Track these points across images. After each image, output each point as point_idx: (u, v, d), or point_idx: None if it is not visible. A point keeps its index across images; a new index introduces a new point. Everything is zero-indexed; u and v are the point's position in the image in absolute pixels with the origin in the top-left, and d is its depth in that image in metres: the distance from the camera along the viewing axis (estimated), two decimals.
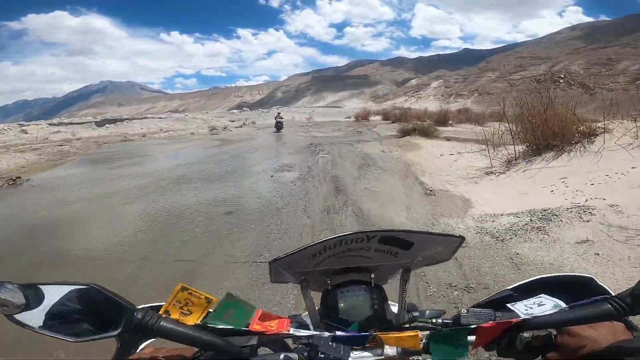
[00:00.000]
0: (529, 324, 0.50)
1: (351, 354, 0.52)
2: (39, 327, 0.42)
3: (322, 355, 0.51)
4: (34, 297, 0.42)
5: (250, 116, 44.11)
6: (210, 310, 0.53)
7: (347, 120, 34.67)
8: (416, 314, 0.61)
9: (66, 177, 8.56)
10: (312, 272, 0.65)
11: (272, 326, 0.54)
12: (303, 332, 0.54)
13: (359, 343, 0.55)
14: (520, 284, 0.61)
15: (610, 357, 0.44)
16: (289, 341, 0.59)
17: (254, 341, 0.55)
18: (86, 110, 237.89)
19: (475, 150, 8.79)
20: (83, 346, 0.52)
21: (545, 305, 0.51)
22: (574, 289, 0.56)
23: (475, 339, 0.52)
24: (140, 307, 0.48)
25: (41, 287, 0.43)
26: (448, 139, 13.23)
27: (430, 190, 5.63)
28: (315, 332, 0.55)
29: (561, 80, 50.72)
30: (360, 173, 7.19)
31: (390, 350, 0.54)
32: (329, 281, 0.68)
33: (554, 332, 0.52)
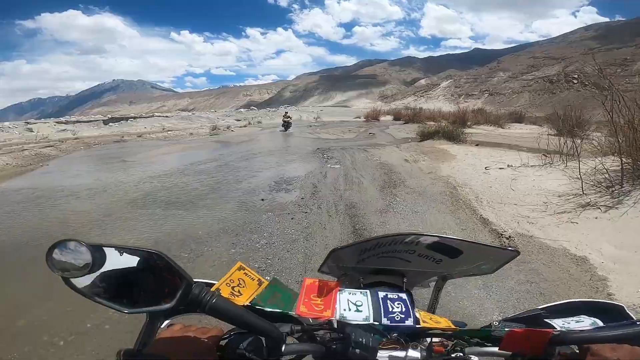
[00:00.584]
0: (562, 338, 0.47)
1: (380, 353, 0.51)
2: (93, 293, 0.41)
3: (354, 350, 0.49)
4: (98, 260, 0.40)
5: (257, 115, 42.31)
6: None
7: (356, 120, 32.53)
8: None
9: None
10: (352, 268, 0.65)
11: (319, 308, 0.53)
12: (354, 320, 0.52)
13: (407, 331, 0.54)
14: (552, 305, 0.59)
15: None
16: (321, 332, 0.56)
17: (285, 329, 0.54)
18: (99, 109, 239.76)
19: (535, 164, 6.51)
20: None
21: (583, 322, 0.50)
22: (604, 314, 0.54)
23: (502, 341, 0.49)
24: (196, 281, 0.47)
25: (105, 249, 0.42)
26: (477, 144, 10.98)
27: (508, 239, 3.45)
28: (358, 322, 0.52)
29: (575, 81, 49.39)
30: (386, 199, 5.01)
31: (413, 354, 0.52)
32: (361, 279, 0.67)
33: (577, 350, 0.51)
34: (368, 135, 15.88)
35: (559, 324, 0.51)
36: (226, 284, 0.52)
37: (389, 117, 31.63)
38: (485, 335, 0.53)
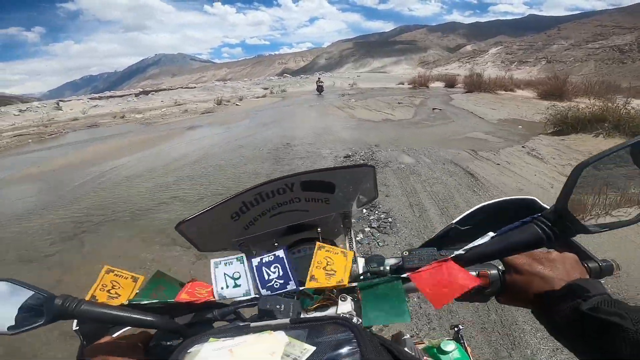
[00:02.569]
0: (462, 259, 0.44)
1: (303, 315, 0.48)
2: None
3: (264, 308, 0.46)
4: None
5: (285, 83, 36.91)
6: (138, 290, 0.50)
7: (399, 87, 25.98)
8: (374, 265, 0.53)
9: None
10: (248, 238, 0.60)
11: (202, 294, 0.49)
12: (233, 297, 0.48)
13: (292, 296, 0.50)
14: (464, 215, 0.56)
15: (562, 295, 0.39)
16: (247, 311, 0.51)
17: (210, 315, 0.50)
18: (144, 82, 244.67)
19: None
20: None
21: (485, 239, 0.45)
22: (517, 212, 0.48)
23: (418, 287, 0.45)
24: (60, 295, 0.45)
25: None
26: None
27: None
28: (240, 298, 0.49)
29: None
30: None
31: (343, 307, 0.49)
32: (276, 244, 0.62)
33: (502, 268, 0.47)
34: (434, 114, 9.75)
35: (460, 252, 0.45)
36: (99, 289, 0.48)
37: (439, 84, 24.91)
38: (393, 275, 0.48)
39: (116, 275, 0.49)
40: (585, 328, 0.35)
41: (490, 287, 0.46)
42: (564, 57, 56.58)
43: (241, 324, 0.45)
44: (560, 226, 0.38)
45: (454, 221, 0.56)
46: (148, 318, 0.45)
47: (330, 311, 0.49)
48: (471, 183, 3.89)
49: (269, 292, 0.48)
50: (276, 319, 0.43)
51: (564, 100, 11.98)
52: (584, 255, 0.44)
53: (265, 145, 6.49)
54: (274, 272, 0.50)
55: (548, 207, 0.42)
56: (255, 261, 0.50)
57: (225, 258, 0.51)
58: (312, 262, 0.49)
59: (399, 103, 12.15)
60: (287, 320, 0.41)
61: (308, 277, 0.49)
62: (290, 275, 0.49)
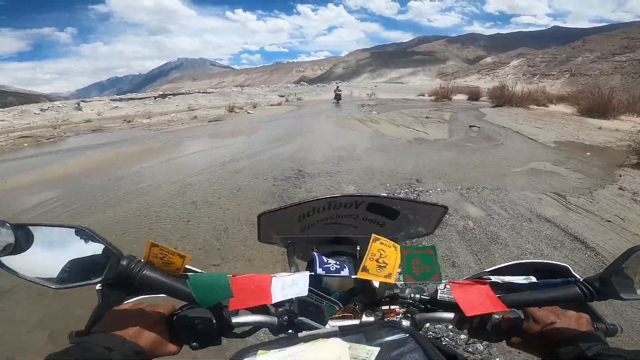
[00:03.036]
0: (500, 287, 0.49)
1: (329, 322, 0.50)
2: (23, 271, 0.40)
3: (301, 319, 0.49)
4: (23, 239, 0.40)
5: (302, 91, 35.92)
6: (187, 267, 0.51)
7: (420, 98, 24.45)
8: (397, 290, 0.58)
9: None
10: (299, 239, 0.63)
11: (253, 300, 0.49)
12: (289, 295, 0.49)
13: (333, 309, 0.53)
14: (497, 268, 0.58)
15: (571, 344, 0.43)
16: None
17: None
18: (166, 85, 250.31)
19: None
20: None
21: (518, 277, 0.51)
22: (549, 276, 0.53)
23: (457, 299, 0.49)
24: (127, 255, 0.45)
25: (31, 228, 0.41)
26: None
27: None
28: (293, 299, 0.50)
29: None
30: None
31: (366, 320, 0.52)
32: (315, 250, 0.64)
33: (522, 316, 0.50)
34: (473, 133, 8.21)
35: (498, 280, 0.50)
36: (153, 256, 0.47)
37: (461, 96, 23.05)
38: (431, 300, 0.53)
39: (161, 250, 0.48)
40: None
41: (508, 330, 0.49)
42: (588, 70, 53.58)
43: (285, 335, 0.47)
44: (599, 291, 0.43)
45: (486, 270, 0.58)
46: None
47: (352, 322, 0.51)
48: (593, 262, 2.41)
49: (324, 272, 0.52)
50: (309, 321, 0.46)
51: (608, 118, 10.34)
52: (595, 317, 0.49)
53: (270, 172, 5.06)
54: (335, 262, 0.55)
55: (578, 277, 0.48)
56: (319, 257, 0.55)
57: (286, 274, 0.51)
58: (366, 254, 0.51)
59: (427, 117, 10.70)
60: (336, 328, 0.44)
61: (360, 267, 0.50)
62: (349, 268, 0.54)
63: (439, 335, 1.57)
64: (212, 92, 39.20)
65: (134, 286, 0.45)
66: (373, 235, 0.52)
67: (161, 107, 25.17)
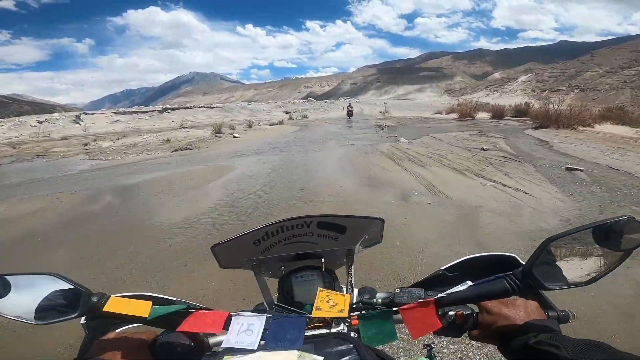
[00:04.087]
0: (443, 301, 0.52)
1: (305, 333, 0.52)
2: (7, 313, 0.45)
3: (277, 334, 0.50)
4: (1, 287, 0.45)
5: (308, 107, 33.71)
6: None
7: (439, 117, 21.73)
8: (367, 296, 0.63)
9: None
10: (262, 260, 0.66)
11: (208, 323, 0.51)
12: (244, 345, 0.48)
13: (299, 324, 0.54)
14: (452, 264, 0.64)
15: (520, 333, 0.47)
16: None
17: None
18: (177, 99, 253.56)
19: None
20: None
21: (464, 286, 0.53)
22: (499, 267, 0.57)
23: (404, 320, 0.52)
24: (96, 292, 0.50)
25: (7, 277, 0.46)
26: None
27: None
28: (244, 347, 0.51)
29: None
30: None
31: (337, 329, 0.55)
32: (283, 267, 0.69)
33: (476, 310, 0.55)
34: (597, 188, 4.79)
35: (442, 295, 0.53)
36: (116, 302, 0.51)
37: (484, 114, 20.58)
38: (380, 314, 0.55)
39: (125, 300, 0.51)
40: (533, 358, 0.43)
41: (464, 324, 0.54)
42: (598, 85, 53.26)
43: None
44: (524, 283, 0.46)
45: (442, 267, 0.63)
46: (173, 315, 0.50)
47: (325, 331, 0.54)
48: None
49: (275, 344, 0.51)
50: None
51: None
52: (546, 305, 0.53)
53: None
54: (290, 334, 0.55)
55: (524, 264, 0.50)
56: (278, 320, 0.53)
57: (247, 314, 0.53)
58: (316, 299, 0.55)
59: (483, 149, 7.78)
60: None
61: (314, 308, 0.54)
62: (300, 335, 0.52)
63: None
64: (215, 107, 37.23)
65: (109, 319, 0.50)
66: (319, 288, 0.56)
67: (154, 123, 23.11)
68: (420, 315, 0.51)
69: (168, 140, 10.64)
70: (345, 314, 0.54)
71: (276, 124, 16.11)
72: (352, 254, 0.69)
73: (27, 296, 0.46)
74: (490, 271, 0.53)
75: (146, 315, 0.50)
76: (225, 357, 0.42)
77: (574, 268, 0.46)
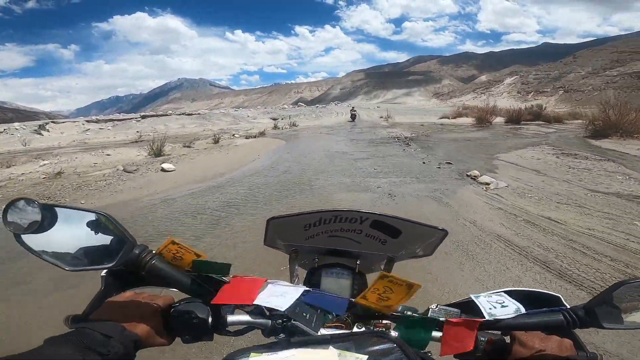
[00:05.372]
0: (490, 324, 0.49)
1: (321, 330, 0.50)
2: (40, 251, 0.41)
3: (295, 323, 0.48)
4: (48, 219, 0.40)
5: (301, 113, 29.93)
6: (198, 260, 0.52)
7: (448, 122, 18.06)
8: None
9: None
10: (302, 247, 0.64)
11: (242, 295, 0.50)
12: (273, 305, 0.49)
13: (335, 308, 0.53)
14: (489, 293, 0.58)
15: None
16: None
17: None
18: (166, 106, 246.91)
19: None
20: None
21: (507, 308, 0.51)
22: (539, 304, 0.53)
23: (443, 335, 0.50)
24: (139, 244, 0.46)
25: (57, 209, 0.42)
26: None
27: None
28: (285, 304, 0.50)
29: None
30: None
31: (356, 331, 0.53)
32: (316, 260, 0.66)
33: (507, 339, 0.51)
34: None
35: (486, 307, 0.50)
36: (166, 250, 0.49)
37: (498, 118, 17.17)
38: (422, 319, 0.53)
39: (180, 247, 0.49)
40: None
41: (491, 352, 0.50)
42: (581, 86, 53.36)
43: (277, 339, 0.47)
44: (582, 319, 0.45)
45: (472, 295, 0.58)
46: (199, 290, 0.48)
47: (342, 331, 0.51)
48: None
49: (315, 304, 0.52)
50: (303, 326, 0.47)
51: None
52: (577, 345, 0.49)
53: None
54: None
55: (568, 306, 0.49)
56: (316, 295, 0.53)
57: (283, 284, 0.53)
58: (370, 286, 0.51)
59: (593, 192, 3.80)
60: (328, 336, 0.44)
61: (360, 295, 0.51)
62: (341, 304, 0.53)
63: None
64: (197, 113, 32.77)
65: (139, 276, 0.46)
66: (380, 272, 0.50)
67: (111, 135, 18.90)
68: (460, 332, 0.48)
69: (59, 174, 6.23)
70: (388, 311, 0.50)
71: (254, 137, 11.79)
72: (393, 261, 0.64)
73: (69, 234, 0.42)
74: (530, 307, 0.50)
75: (188, 267, 0.49)
76: (252, 354, 0.39)
77: (635, 312, 0.46)
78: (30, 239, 0.40)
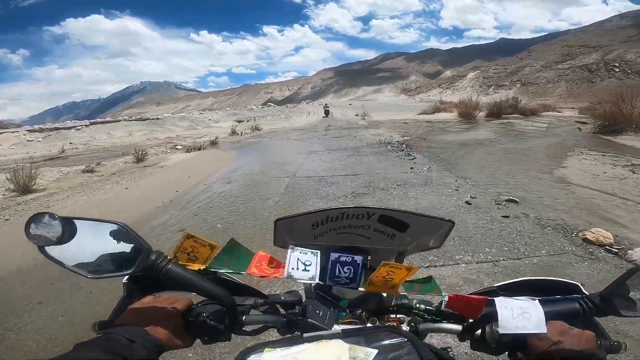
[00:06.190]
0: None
1: (335, 327, 0.50)
2: (63, 261, 0.42)
3: (309, 320, 0.49)
4: (68, 231, 0.41)
5: (268, 114, 27.34)
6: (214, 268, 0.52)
7: (428, 118, 16.32)
8: (404, 301, 0.59)
9: None
10: (313, 246, 0.60)
11: (269, 270, 0.52)
12: (300, 278, 0.51)
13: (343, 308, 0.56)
14: (507, 283, 0.57)
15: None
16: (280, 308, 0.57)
17: (249, 301, 0.55)
18: (128, 111, 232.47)
19: None
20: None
21: (527, 320, 0.47)
22: (558, 293, 0.51)
23: (447, 301, 0.51)
24: (155, 250, 0.46)
25: (76, 221, 0.43)
26: None
27: None
28: (304, 280, 0.52)
29: (616, 69, 43.00)
30: None
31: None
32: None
33: None
34: None
35: (504, 317, 0.47)
36: (181, 251, 0.50)
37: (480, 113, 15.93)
38: (436, 311, 0.54)
39: (195, 241, 0.50)
40: None
41: (507, 343, 0.47)
42: (537, 79, 54.79)
43: (290, 335, 0.49)
44: (599, 307, 0.44)
45: (496, 284, 0.57)
46: (217, 291, 0.48)
47: (359, 327, 0.52)
48: None
49: (332, 284, 0.55)
50: (316, 323, 0.48)
51: None
52: (599, 334, 0.47)
53: None
54: (346, 273, 0.55)
55: (587, 294, 0.48)
56: (334, 256, 0.55)
57: (303, 248, 0.54)
58: (374, 272, 0.52)
59: None
60: (339, 330, 0.45)
61: (368, 282, 0.52)
62: (359, 280, 0.54)
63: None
64: (149, 118, 28.69)
65: (158, 281, 0.47)
66: (382, 262, 0.52)
67: (31, 149, 15.25)
68: (466, 307, 0.49)
69: None
70: (395, 291, 0.52)
71: (198, 150, 8.79)
72: (403, 255, 0.64)
73: (89, 245, 0.43)
74: (547, 296, 0.49)
75: (206, 262, 0.50)
76: (267, 349, 0.40)
77: None
78: (53, 251, 0.41)
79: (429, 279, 0.57)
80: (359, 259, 0.55)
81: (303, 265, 0.52)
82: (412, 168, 5.31)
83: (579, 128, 9.72)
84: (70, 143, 17.40)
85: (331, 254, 0.55)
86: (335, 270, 0.55)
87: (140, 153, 7.50)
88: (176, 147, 9.83)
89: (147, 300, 0.48)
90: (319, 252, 0.53)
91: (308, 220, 0.58)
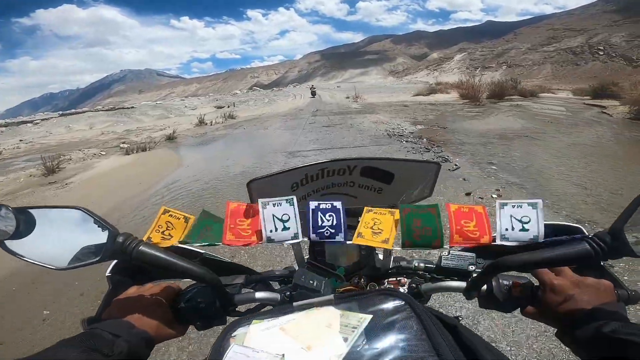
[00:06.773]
0: (505, 263, 0.41)
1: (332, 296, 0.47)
2: (27, 254, 0.39)
3: (301, 291, 0.45)
4: (24, 223, 0.38)
5: (251, 99, 25.39)
6: (186, 247, 0.50)
7: (426, 99, 14.91)
8: (402, 262, 0.56)
9: None
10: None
11: (246, 233, 0.49)
12: (281, 239, 0.48)
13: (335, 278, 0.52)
14: (519, 203, 0.53)
15: (589, 319, 0.38)
16: (274, 284, 0.55)
17: (239, 280, 0.51)
18: (109, 100, 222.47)
19: None
20: None
21: (526, 232, 0.45)
22: (563, 235, 0.48)
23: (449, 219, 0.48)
24: (122, 232, 0.42)
25: (31, 211, 0.40)
26: None
27: None
28: (287, 241, 0.49)
29: (601, 52, 43.27)
30: None
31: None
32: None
33: (536, 282, 0.45)
34: None
35: (503, 227, 0.46)
36: (155, 231, 0.48)
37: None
38: (437, 268, 0.51)
39: (171, 215, 0.48)
40: (606, 348, 0.35)
41: (518, 298, 0.44)
42: (522, 62, 54.99)
43: (278, 306, 0.46)
44: (611, 246, 0.37)
45: (503, 202, 0.52)
46: (196, 270, 0.43)
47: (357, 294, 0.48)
48: None
49: (317, 238, 0.49)
50: (309, 293, 0.43)
51: None
52: (616, 284, 0.42)
53: None
54: (329, 220, 0.49)
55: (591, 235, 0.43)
56: (313, 204, 0.50)
57: (274, 199, 0.49)
58: (360, 222, 0.49)
59: None
60: (331, 297, 0.41)
61: (355, 234, 0.48)
62: (342, 227, 0.49)
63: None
64: (119, 107, 25.75)
65: (141, 269, 0.45)
66: (365, 207, 0.50)
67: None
68: (468, 219, 0.46)
69: None
70: (389, 245, 0.47)
71: (143, 151, 6.62)
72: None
73: (50, 235, 0.40)
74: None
75: (181, 237, 0.47)
76: (254, 321, 0.37)
77: None
78: (13, 244, 0.38)
79: (430, 219, 0.47)
80: (338, 203, 0.49)
81: (281, 223, 0.47)
82: (469, 194, 3.09)
83: (605, 113, 7.95)
84: (20, 140, 14.86)
85: (310, 202, 0.49)
86: (317, 221, 0.48)
87: (53, 163, 5.31)
88: (122, 144, 7.60)
89: (132, 291, 0.45)
90: (294, 197, 0.48)
91: (286, 180, 0.53)
